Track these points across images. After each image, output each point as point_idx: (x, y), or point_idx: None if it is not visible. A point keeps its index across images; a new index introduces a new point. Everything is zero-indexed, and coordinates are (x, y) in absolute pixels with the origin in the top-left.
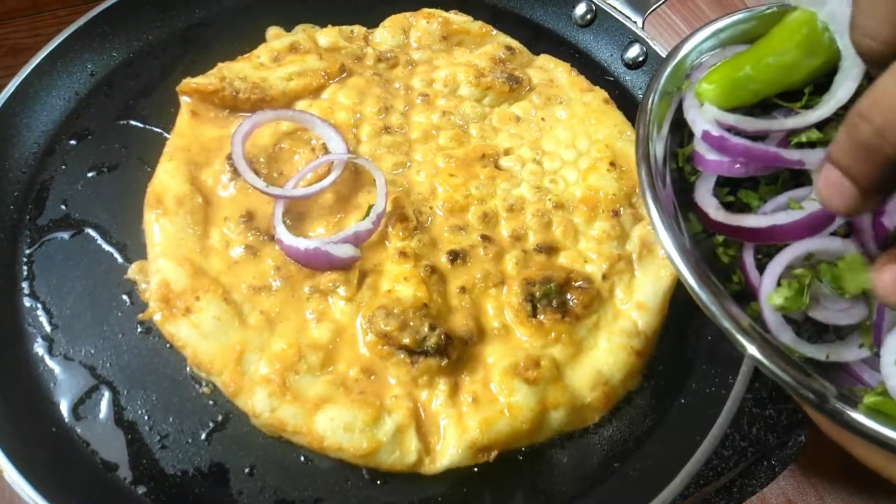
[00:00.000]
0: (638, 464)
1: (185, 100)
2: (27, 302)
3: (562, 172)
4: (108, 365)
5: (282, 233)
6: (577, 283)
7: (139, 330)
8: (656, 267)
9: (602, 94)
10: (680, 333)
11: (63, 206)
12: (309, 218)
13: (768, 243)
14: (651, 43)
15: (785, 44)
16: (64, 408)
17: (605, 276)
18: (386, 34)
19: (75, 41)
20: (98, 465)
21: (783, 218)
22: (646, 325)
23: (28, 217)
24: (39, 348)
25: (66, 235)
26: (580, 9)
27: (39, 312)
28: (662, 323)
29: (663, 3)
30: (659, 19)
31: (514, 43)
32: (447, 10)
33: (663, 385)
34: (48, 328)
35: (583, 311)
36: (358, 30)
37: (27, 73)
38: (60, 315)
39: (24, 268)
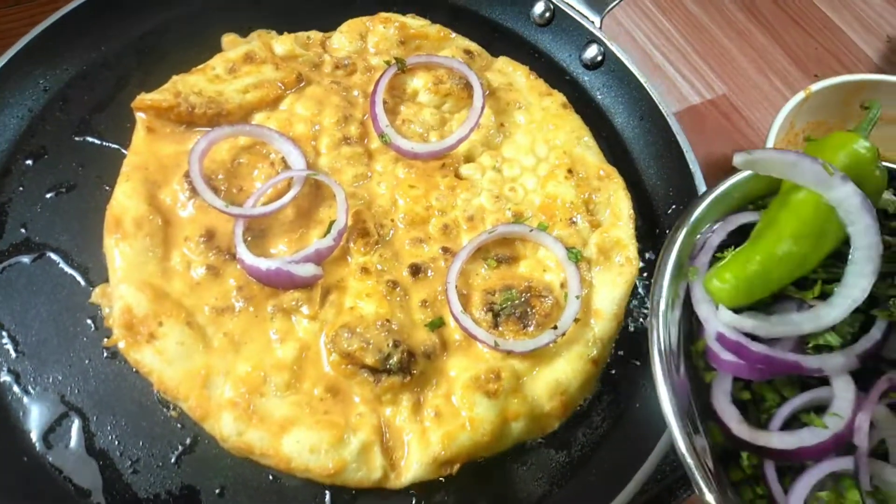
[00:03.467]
0: (595, 468)
1: (140, 116)
2: None
3: (521, 180)
4: (76, 391)
5: (243, 252)
6: (536, 293)
7: (105, 355)
8: (612, 274)
9: (560, 98)
10: (632, 338)
11: (23, 230)
12: (270, 234)
13: (794, 462)
14: (608, 43)
15: (794, 232)
16: (34, 436)
17: (562, 285)
18: (343, 40)
19: (25, 56)
20: (71, 492)
21: (808, 438)
22: (602, 332)
23: None
24: (6, 377)
25: (27, 259)
26: (538, 7)
27: (5, 340)
28: (618, 330)
29: (620, 2)
30: (616, 19)
31: (473, 46)
32: (406, 9)
33: (618, 390)
34: (14, 356)
35: (543, 321)
36: (314, 35)
37: None
38: (26, 342)
39: None
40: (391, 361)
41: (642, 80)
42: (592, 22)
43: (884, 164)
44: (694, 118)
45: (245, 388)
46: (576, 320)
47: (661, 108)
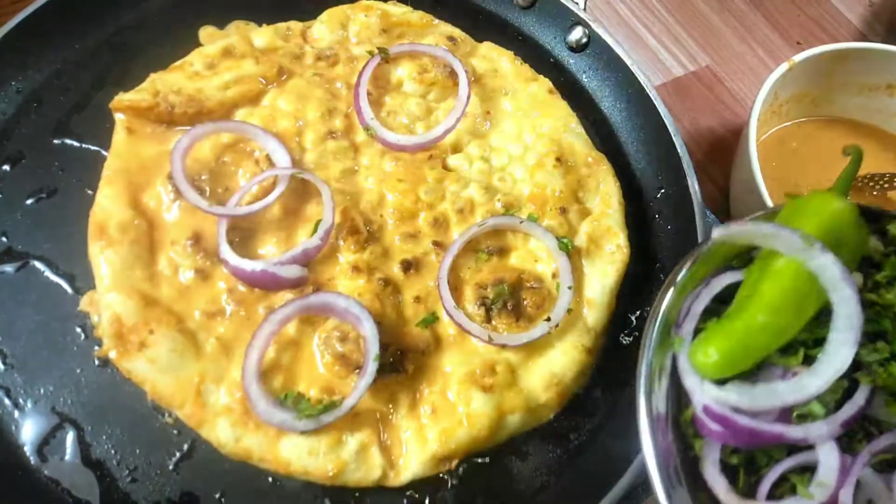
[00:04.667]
0: (592, 457)
1: (119, 116)
2: None
3: (509, 169)
4: (69, 402)
5: (227, 253)
6: (528, 284)
7: (97, 363)
8: (603, 263)
9: (546, 83)
10: (625, 326)
11: (4, 239)
12: (258, 234)
13: None
14: (593, 25)
15: (774, 302)
16: (29, 450)
17: (554, 275)
18: (324, 29)
19: None
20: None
21: None
22: (595, 321)
23: None
24: None
25: (10, 269)
26: None
27: None
28: (610, 318)
29: None
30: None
31: (457, 32)
32: None
33: (612, 378)
34: (3, 369)
35: (535, 312)
36: (294, 26)
37: None
38: (14, 354)
39: None
40: (382, 362)
41: (628, 63)
42: (577, 3)
43: (864, 207)
44: (678, 91)
45: (240, 392)
46: (568, 311)
47: (647, 90)
